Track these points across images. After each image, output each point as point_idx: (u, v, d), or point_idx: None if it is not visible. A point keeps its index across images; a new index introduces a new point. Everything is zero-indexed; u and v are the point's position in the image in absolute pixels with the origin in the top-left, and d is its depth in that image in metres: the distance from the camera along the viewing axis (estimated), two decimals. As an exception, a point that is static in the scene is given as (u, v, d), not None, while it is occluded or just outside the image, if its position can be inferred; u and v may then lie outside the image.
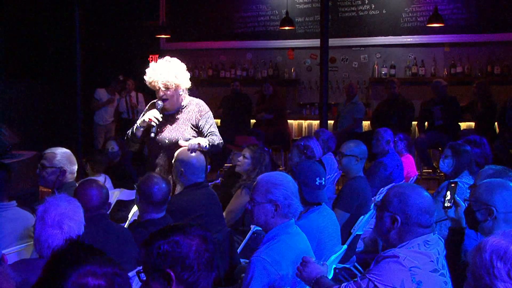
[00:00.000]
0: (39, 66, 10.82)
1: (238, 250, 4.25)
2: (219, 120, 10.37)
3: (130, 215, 4.61)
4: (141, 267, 1.99)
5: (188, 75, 4.64)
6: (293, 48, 10.81)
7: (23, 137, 8.25)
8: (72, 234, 2.71)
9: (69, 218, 2.72)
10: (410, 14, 10.01)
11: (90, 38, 10.55)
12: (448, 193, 3.08)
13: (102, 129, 10.05)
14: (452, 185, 3.11)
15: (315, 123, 10.10)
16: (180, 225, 2.00)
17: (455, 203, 3.06)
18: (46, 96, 10.92)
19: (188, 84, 4.61)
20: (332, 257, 3.53)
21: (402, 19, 10.05)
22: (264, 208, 2.89)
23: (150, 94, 10.13)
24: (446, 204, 3.07)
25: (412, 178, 6.29)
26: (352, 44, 10.36)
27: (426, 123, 8.70)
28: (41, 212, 2.73)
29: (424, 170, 8.76)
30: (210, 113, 4.61)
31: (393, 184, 5.41)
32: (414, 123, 9.14)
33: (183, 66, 4.69)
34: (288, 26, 9.92)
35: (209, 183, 4.79)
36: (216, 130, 4.57)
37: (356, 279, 2.56)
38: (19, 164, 7.14)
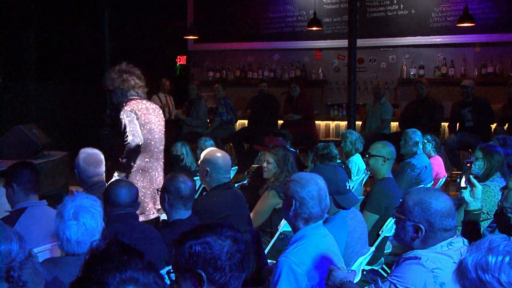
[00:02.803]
0: (69, 68, 10.97)
1: (265, 251, 4.25)
2: (246, 121, 10.40)
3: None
4: (170, 267, 2.00)
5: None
6: (320, 49, 10.76)
7: (53, 138, 8.38)
8: (89, 226, 2.73)
9: (84, 210, 2.75)
10: (439, 14, 9.89)
11: (119, 40, 10.66)
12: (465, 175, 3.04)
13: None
14: (468, 164, 3.06)
15: (343, 124, 10.04)
16: (211, 225, 2.00)
17: (470, 183, 3.01)
18: (76, 97, 11.08)
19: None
20: (360, 259, 3.51)
21: (431, 19, 9.93)
22: (284, 203, 2.92)
23: (178, 95, 10.24)
24: (462, 185, 3.02)
25: (441, 179, 6.21)
26: (380, 45, 10.28)
27: (457, 124, 8.59)
28: (58, 208, 2.78)
29: (453, 172, 8.64)
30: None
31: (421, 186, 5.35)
32: (444, 124, 9.02)
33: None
34: (316, 27, 9.89)
35: (236, 184, 4.79)
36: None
37: (378, 283, 2.52)
38: (50, 164, 7.25)
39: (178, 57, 11.62)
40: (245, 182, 6.04)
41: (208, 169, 4.12)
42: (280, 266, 2.71)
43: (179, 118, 10.14)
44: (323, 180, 2.94)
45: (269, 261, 4.09)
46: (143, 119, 4.61)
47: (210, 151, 4.26)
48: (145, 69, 10.72)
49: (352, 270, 2.82)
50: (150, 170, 4.69)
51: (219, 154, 4.21)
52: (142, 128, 4.57)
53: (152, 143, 4.70)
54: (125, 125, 4.48)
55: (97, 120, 10.42)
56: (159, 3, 10.84)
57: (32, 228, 3.49)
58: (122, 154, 4.51)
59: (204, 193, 4.68)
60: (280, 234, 4.44)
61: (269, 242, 4.45)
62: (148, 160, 4.67)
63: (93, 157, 4.35)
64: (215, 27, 11.18)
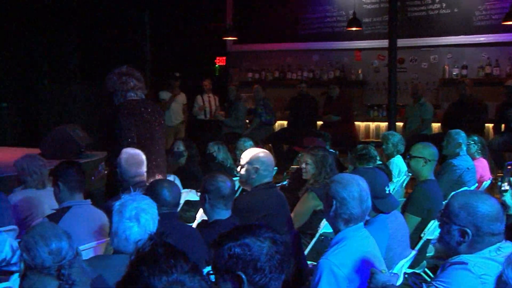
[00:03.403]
0: (111, 69, 11.13)
1: (305, 253, 4.23)
2: (285, 122, 10.39)
3: (198, 216, 4.67)
4: (210, 268, 2.00)
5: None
6: (360, 49, 10.68)
7: (95, 138, 8.52)
8: (148, 228, 2.78)
9: (145, 212, 2.80)
10: (483, 12, 9.69)
11: (158, 41, 10.78)
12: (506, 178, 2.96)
13: (171, 130, 10.21)
14: (509, 167, 2.98)
15: (383, 125, 9.94)
16: (249, 226, 1.99)
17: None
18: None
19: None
20: (401, 262, 3.46)
21: (475, 18, 9.74)
22: (325, 203, 2.91)
23: (218, 97, 10.29)
24: (502, 188, 2.94)
25: (485, 182, 6.07)
26: (421, 45, 10.13)
27: (502, 126, 8.40)
28: (118, 206, 2.82)
29: (498, 174, 8.45)
30: None
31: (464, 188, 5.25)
32: (488, 125, 8.84)
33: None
34: (355, 27, 9.81)
35: (277, 185, 4.79)
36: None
37: None
38: (91, 164, 7.37)
39: (217, 58, 11.68)
40: (285, 183, 6.03)
41: (258, 166, 4.13)
42: (321, 268, 2.69)
43: (218, 119, 10.18)
44: (365, 182, 2.90)
45: (308, 262, 4.07)
46: (138, 119, 4.72)
47: (255, 150, 4.27)
48: (184, 70, 10.87)
49: (394, 273, 2.78)
50: None
51: (264, 153, 4.23)
52: (136, 127, 4.69)
53: (146, 141, 4.77)
54: (121, 127, 4.63)
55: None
56: (198, 5, 10.92)
57: (76, 227, 3.54)
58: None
59: (244, 193, 4.69)
60: (320, 235, 4.42)
61: (309, 243, 4.43)
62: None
63: (134, 157, 4.41)
64: (254, 28, 11.21)
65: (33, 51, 11.85)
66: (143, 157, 4.44)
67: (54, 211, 3.73)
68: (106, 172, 5.26)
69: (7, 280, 3.07)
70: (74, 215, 3.65)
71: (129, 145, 4.55)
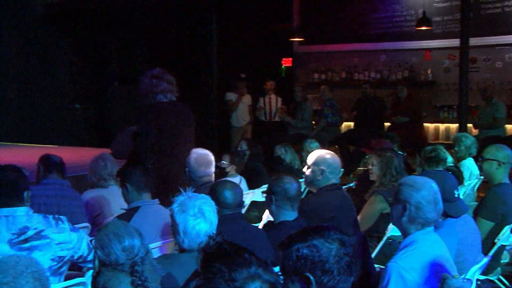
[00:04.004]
0: (177, 71, 11.33)
1: (372, 256, 4.17)
2: (351, 123, 10.28)
3: (264, 216, 4.68)
4: (277, 269, 2.00)
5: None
6: (430, 49, 10.43)
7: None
8: (213, 221, 2.85)
9: (206, 206, 2.86)
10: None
11: (225, 42, 10.89)
12: None
13: (238, 131, 10.29)
14: None
15: (453, 126, 9.69)
16: (318, 228, 1.98)
17: None
18: (184, 99, 11.43)
19: None
20: (474, 268, 3.35)
21: (553, 14, 9.34)
22: (396, 208, 2.84)
23: (282, 98, 10.31)
24: None
25: None
26: (495, 43, 9.79)
27: None
28: (178, 205, 2.86)
29: None
30: None
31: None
32: None
33: None
34: (425, 26, 9.61)
35: (343, 187, 4.75)
36: None
37: None
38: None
39: (284, 59, 11.68)
40: (352, 185, 5.97)
41: (323, 168, 4.12)
42: (389, 271, 2.64)
43: (284, 120, 10.18)
44: (435, 184, 2.84)
45: (376, 265, 4.01)
46: (162, 123, 4.88)
47: (322, 152, 4.26)
48: (250, 72, 10.93)
49: (467, 279, 2.69)
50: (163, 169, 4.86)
51: (330, 155, 4.21)
52: (159, 131, 4.85)
53: (166, 143, 4.88)
54: (142, 128, 4.85)
55: (205, 122, 10.71)
56: (265, 6, 10.96)
57: (145, 226, 3.62)
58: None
59: (310, 194, 4.68)
60: (388, 238, 4.35)
61: (376, 246, 4.37)
62: (159, 159, 4.83)
63: (204, 157, 4.49)
64: (320, 29, 11.15)
65: (104, 54, 12.25)
66: (212, 157, 4.52)
67: (124, 211, 3.83)
68: None
69: (82, 276, 3.18)
70: (143, 215, 3.72)
71: (142, 147, 4.83)
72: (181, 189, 3.00)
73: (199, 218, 2.82)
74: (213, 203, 2.95)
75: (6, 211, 2.95)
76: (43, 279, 2.07)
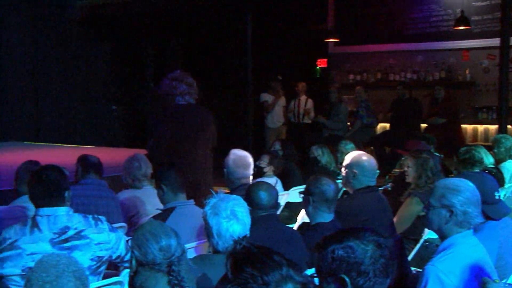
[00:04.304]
0: (213, 73, 11.41)
1: (409, 258, 4.12)
2: (387, 124, 10.17)
3: (299, 218, 4.67)
4: (313, 270, 1.99)
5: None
6: (468, 49, 10.25)
7: (212, 141, 8.73)
8: (246, 221, 2.86)
9: (238, 207, 2.88)
10: None
11: (260, 44, 10.89)
12: None
13: (272, 132, 10.29)
14: None
15: (492, 127, 9.50)
16: (353, 229, 1.97)
17: None
18: (219, 100, 11.49)
19: None
20: (515, 273, 3.28)
21: None
22: (438, 213, 2.80)
23: (317, 99, 10.26)
24: None
25: None
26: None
27: None
28: (210, 208, 2.88)
29: None
30: None
31: None
32: None
33: None
34: (463, 26, 9.45)
35: (379, 188, 4.72)
36: None
37: None
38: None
39: (319, 60, 11.63)
40: (388, 186, 5.91)
41: (356, 171, 4.12)
42: (427, 274, 2.61)
43: (318, 121, 10.14)
44: (474, 185, 2.80)
45: (412, 268, 3.96)
46: (173, 123, 5.06)
47: (357, 154, 4.27)
48: (285, 73, 10.91)
49: (509, 283, 2.64)
50: None
51: (366, 157, 4.21)
52: (171, 133, 5.02)
53: (180, 144, 5.01)
54: (153, 131, 5.08)
55: (241, 123, 10.74)
56: (300, 7, 10.94)
57: (180, 226, 3.64)
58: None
59: (345, 196, 4.66)
60: (425, 241, 4.29)
61: (413, 249, 4.32)
62: (173, 159, 4.85)
63: (242, 159, 4.50)
64: (356, 30, 11.08)
65: (139, 56, 12.40)
66: (250, 159, 4.54)
67: (160, 212, 3.86)
68: None
69: (118, 275, 3.22)
70: (179, 215, 3.75)
71: (151, 149, 5.07)
72: (212, 191, 3.01)
73: (232, 219, 2.83)
74: (245, 204, 2.96)
75: (47, 210, 2.99)
76: (83, 278, 2.10)
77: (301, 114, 10.24)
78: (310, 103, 10.26)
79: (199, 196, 3.98)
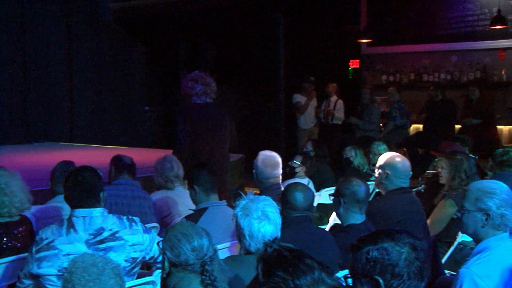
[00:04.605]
0: (245, 72, 11.43)
1: (443, 261, 4.07)
2: (421, 126, 10.06)
3: (330, 219, 4.65)
4: (347, 271, 1.98)
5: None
6: (504, 49, 10.06)
7: (230, 140, 8.76)
8: (278, 222, 2.86)
9: (269, 207, 2.88)
10: None
11: (291, 44, 10.88)
12: None
13: (304, 133, 10.28)
14: None
15: (529, 129, 9.31)
16: (389, 231, 1.96)
17: None
18: (251, 101, 11.52)
19: None
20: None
21: None
22: (474, 217, 2.75)
23: (349, 100, 10.21)
24: None
25: None
26: None
27: None
28: (241, 209, 2.89)
29: None
30: None
31: None
32: None
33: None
34: (500, 25, 9.27)
35: (412, 190, 4.68)
36: None
37: None
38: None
39: (351, 61, 11.56)
40: (420, 188, 5.84)
41: (388, 172, 4.11)
42: (462, 278, 2.57)
43: (351, 122, 10.08)
44: (508, 187, 2.76)
45: (446, 271, 3.91)
46: (192, 123, 5.26)
47: (390, 155, 4.26)
48: (317, 73, 10.87)
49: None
50: None
51: (399, 158, 4.19)
52: (191, 131, 5.24)
53: (198, 143, 5.23)
54: (178, 130, 5.26)
55: (273, 124, 10.74)
56: (332, 8, 10.89)
57: (212, 227, 3.65)
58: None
59: (377, 197, 4.63)
60: (459, 244, 4.23)
61: (446, 252, 4.26)
62: (193, 157, 5.06)
63: (271, 159, 4.51)
64: (389, 30, 10.97)
65: (172, 57, 12.50)
66: (279, 159, 4.54)
67: (192, 212, 3.88)
68: None
69: (150, 274, 3.25)
70: (211, 215, 3.77)
71: (179, 147, 5.23)
72: (241, 193, 3.02)
73: (264, 220, 2.83)
74: (275, 204, 2.96)
75: (83, 211, 3.02)
76: (121, 274, 2.13)
77: (328, 115, 10.21)
78: (339, 104, 10.19)
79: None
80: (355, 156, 6.34)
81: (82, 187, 3.04)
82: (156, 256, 3.20)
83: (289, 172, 5.24)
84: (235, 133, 5.63)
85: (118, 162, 4.68)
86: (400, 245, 1.90)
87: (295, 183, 3.71)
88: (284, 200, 3.37)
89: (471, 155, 6.16)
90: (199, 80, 5.38)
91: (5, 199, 3.38)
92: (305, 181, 5.20)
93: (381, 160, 4.23)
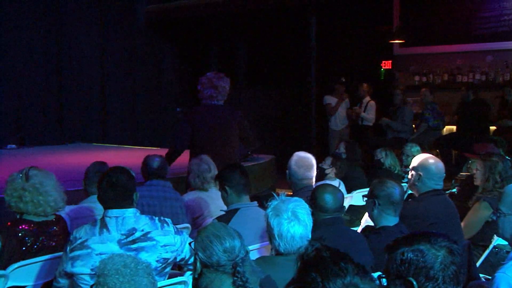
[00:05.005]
0: (276, 74, 11.43)
1: (477, 264, 4.01)
2: (454, 127, 9.92)
3: (362, 221, 4.62)
4: (377, 275, 1.96)
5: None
6: (541, 49, 9.87)
7: (261, 142, 8.78)
8: (308, 223, 2.86)
9: (299, 208, 2.88)
10: None
11: (323, 45, 10.83)
12: None
13: (336, 135, 10.24)
14: None
15: None
16: (426, 233, 1.95)
17: None
18: (283, 102, 11.50)
19: None
20: None
21: None
22: (510, 220, 2.72)
23: (381, 101, 10.11)
24: None
25: None
26: None
27: None
28: (272, 210, 2.90)
29: None
30: None
31: None
32: None
33: None
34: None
35: (445, 192, 4.62)
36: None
37: None
38: (257, 167, 7.61)
39: (383, 62, 11.46)
40: (454, 190, 5.76)
41: (421, 173, 4.08)
42: (497, 282, 2.52)
43: (383, 123, 10.00)
44: None
45: (481, 275, 3.85)
46: (195, 124, 5.60)
47: (424, 156, 4.22)
48: (349, 74, 10.80)
49: None
50: None
51: (433, 160, 4.16)
52: (193, 131, 5.57)
53: (202, 141, 5.54)
54: (176, 130, 5.71)
55: (305, 125, 10.70)
56: (364, 9, 10.81)
57: (243, 228, 3.65)
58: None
59: (410, 199, 4.58)
60: (494, 247, 4.17)
61: (481, 255, 4.20)
62: (198, 154, 5.24)
63: (304, 160, 4.50)
64: (422, 30, 10.84)
65: (204, 59, 12.56)
66: (313, 161, 4.53)
67: (224, 213, 3.89)
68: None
69: (182, 274, 3.26)
70: (242, 217, 3.76)
71: (178, 147, 5.65)
72: (274, 194, 3.02)
73: (293, 221, 2.84)
74: (306, 205, 2.96)
75: (116, 212, 3.06)
76: (152, 273, 2.15)
77: (360, 117, 10.15)
78: (370, 105, 10.12)
79: None
80: (385, 157, 6.28)
81: (115, 189, 3.08)
82: (187, 257, 3.22)
83: (319, 174, 5.21)
84: (254, 134, 5.89)
85: (145, 168, 4.72)
86: (437, 248, 1.88)
87: (324, 184, 3.70)
88: (313, 202, 3.35)
89: (507, 157, 6.05)
90: (206, 83, 5.66)
91: (40, 198, 3.44)
92: (336, 182, 5.17)
93: (415, 161, 4.21)
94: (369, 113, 10.11)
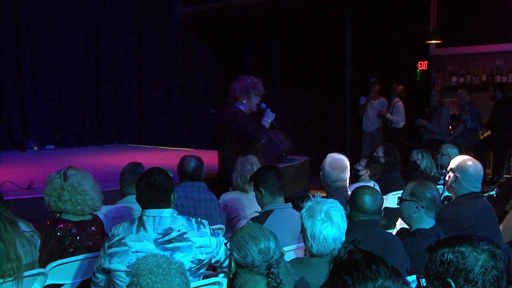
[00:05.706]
0: (311, 75, 11.40)
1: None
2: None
3: (397, 223, 4.56)
4: (412, 278, 1.94)
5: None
6: None
7: (296, 143, 8.77)
8: (341, 225, 2.85)
9: (333, 210, 2.87)
10: None
11: (359, 46, 10.76)
12: None
13: (367, 136, 10.15)
14: None
15: None
16: (468, 236, 1.92)
17: None
18: (318, 103, 11.46)
19: None
20: None
21: None
22: None
23: (417, 102, 9.99)
24: None
25: None
26: None
27: None
28: (306, 210, 2.90)
29: None
30: None
31: None
32: None
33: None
34: None
35: (484, 194, 4.53)
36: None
37: None
38: (292, 168, 7.60)
39: (420, 62, 11.32)
40: (493, 193, 5.65)
41: (458, 175, 4.02)
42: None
43: (419, 124, 9.86)
44: None
45: (520, 280, 3.76)
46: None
47: (462, 158, 4.17)
48: (385, 75, 10.70)
49: None
50: None
51: (471, 162, 4.09)
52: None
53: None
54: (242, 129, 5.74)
55: (339, 126, 10.65)
56: (401, 9, 10.70)
57: (278, 229, 3.65)
58: None
59: (446, 202, 4.51)
60: (534, 252, 4.06)
61: (521, 260, 4.09)
62: None
63: (338, 162, 4.47)
64: (459, 30, 10.66)
65: (239, 60, 12.60)
66: (347, 162, 4.50)
67: (258, 214, 3.89)
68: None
69: (216, 275, 3.28)
70: (277, 218, 3.76)
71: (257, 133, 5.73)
72: (310, 195, 3.01)
73: (327, 222, 2.83)
74: (341, 208, 2.94)
75: (154, 212, 3.11)
76: (185, 273, 2.17)
77: (386, 119, 10.04)
78: (396, 107, 9.94)
79: None
80: (422, 159, 6.18)
81: (154, 189, 3.13)
82: (222, 260, 3.24)
83: (353, 175, 5.16)
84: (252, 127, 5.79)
85: (181, 169, 4.76)
86: (478, 251, 1.85)
87: (364, 186, 3.67)
88: (352, 203, 3.34)
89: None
90: (231, 86, 5.96)
91: (78, 197, 3.51)
92: (371, 184, 5.11)
93: (453, 163, 4.15)
94: (395, 114, 9.94)
